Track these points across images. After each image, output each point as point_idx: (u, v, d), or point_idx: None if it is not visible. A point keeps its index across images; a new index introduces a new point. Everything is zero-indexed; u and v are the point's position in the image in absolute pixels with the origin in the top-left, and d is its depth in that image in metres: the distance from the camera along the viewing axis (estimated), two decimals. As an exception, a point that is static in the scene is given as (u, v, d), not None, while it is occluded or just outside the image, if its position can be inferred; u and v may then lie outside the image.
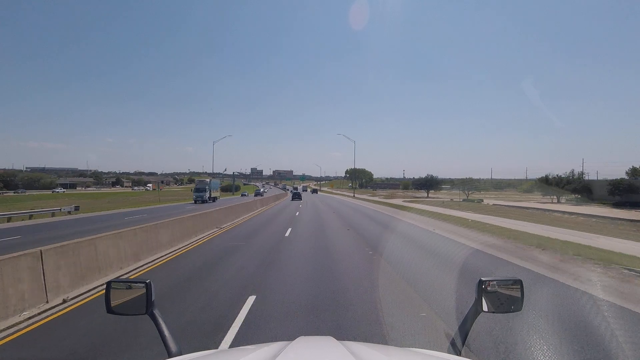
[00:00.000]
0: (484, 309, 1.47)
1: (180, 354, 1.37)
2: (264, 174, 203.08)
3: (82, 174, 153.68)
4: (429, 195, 71.32)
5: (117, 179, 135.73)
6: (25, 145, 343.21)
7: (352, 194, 73.09)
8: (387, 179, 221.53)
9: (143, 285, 1.50)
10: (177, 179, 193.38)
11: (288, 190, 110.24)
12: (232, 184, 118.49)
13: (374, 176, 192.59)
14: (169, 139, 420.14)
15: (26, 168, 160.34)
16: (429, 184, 71.91)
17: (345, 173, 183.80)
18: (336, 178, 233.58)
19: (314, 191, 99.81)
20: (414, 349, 1.41)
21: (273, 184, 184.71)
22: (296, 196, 51.24)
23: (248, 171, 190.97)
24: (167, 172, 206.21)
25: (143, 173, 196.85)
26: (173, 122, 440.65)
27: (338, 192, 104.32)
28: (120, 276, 7.69)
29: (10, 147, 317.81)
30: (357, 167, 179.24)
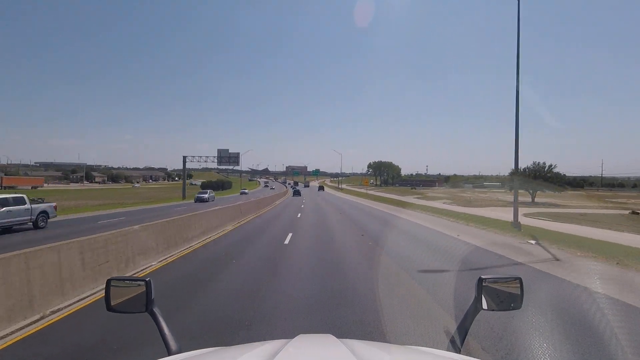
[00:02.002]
0: (483, 307, 1.45)
1: (180, 351, 1.34)
2: (276, 169, 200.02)
3: (74, 168, 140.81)
4: (535, 199, 41.00)
5: (87, 174, 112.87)
6: (51, 142, 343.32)
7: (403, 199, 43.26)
8: (410, 175, 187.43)
9: (143, 283, 1.48)
10: (169, 175, 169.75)
11: (289, 186, 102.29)
12: (223, 180, 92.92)
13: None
14: (185, 136, 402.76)
15: (35, 163, 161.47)
16: (544, 179, 40.40)
17: (368, 167, 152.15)
18: (353, 175, 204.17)
19: (320, 188, 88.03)
20: (414, 346, 1.41)
21: (273, 179, 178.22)
22: (296, 193, 56.19)
23: (259, 167, 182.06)
24: (179, 168, 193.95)
25: (153, 169, 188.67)
26: (189, 119, 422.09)
27: (367, 191, 73.62)
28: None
29: (33, 144, 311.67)
30: (377, 160, 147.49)
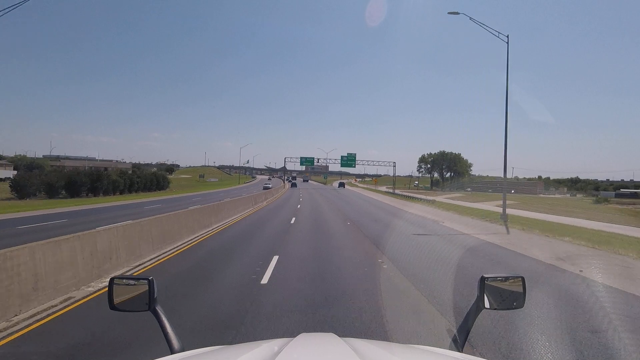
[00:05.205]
0: (485, 306, 1.44)
1: (182, 350, 1.35)
2: (295, 168, 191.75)
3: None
4: None
5: (15, 167, 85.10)
6: (81, 138, 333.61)
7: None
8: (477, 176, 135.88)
9: (146, 282, 1.49)
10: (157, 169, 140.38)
11: (287, 181, 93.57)
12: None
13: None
14: (209, 134, 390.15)
15: (44, 156, 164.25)
16: None
17: (419, 162, 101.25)
18: (383, 176, 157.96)
19: (341, 185, 79.81)
20: (416, 345, 1.41)
21: (270, 176, 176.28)
22: (293, 185, 70.13)
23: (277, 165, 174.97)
24: (197, 165, 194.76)
25: (165, 164, 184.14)
26: (210, 118, 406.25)
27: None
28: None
29: (65, 140, 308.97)
30: (434, 151, 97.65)
